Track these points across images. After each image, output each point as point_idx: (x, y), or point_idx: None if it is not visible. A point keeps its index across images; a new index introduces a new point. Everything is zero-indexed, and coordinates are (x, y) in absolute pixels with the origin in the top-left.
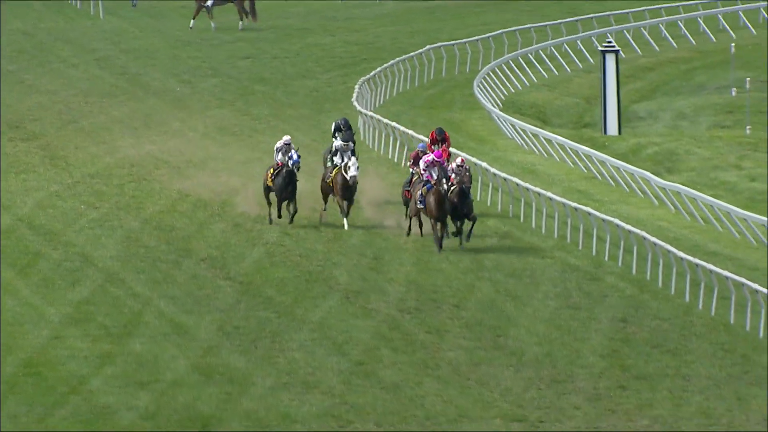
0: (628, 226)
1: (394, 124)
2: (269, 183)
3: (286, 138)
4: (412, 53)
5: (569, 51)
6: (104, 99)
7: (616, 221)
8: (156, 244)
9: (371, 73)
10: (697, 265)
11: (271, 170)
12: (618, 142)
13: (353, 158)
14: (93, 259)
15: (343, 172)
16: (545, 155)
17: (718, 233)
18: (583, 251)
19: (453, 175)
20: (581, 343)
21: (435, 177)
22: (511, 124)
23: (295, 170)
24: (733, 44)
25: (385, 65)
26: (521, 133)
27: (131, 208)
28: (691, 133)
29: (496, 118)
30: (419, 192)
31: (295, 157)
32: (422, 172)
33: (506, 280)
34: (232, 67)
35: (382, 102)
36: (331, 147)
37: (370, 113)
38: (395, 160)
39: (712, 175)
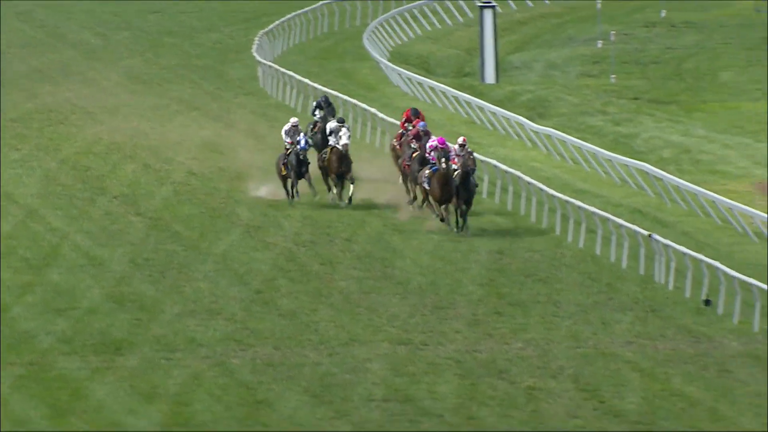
0: (504, 167)
1: (290, 73)
2: (283, 172)
3: (294, 120)
4: (307, 8)
5: (451, 6)
6: (24, 49)
7: (494, 162)
8: (72, 182)
9: (270, 26)
10: (566, 201)
11: (283, 156)
12: (495, 89)
13: (344, 129)
14: (14, 196)
15: (336, 145)
16: (429, 101)
17: (585, 173)
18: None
19: (455, 158)
20: (462, 273)
21: (438, 160)
22: (397, 74)
23: (301, 156)
24: (599, 0)
25: (283, 19)
26: (407, 81)
27: (50, 149)
28: (561, 82)
29: (384, 67)
30: (426, 173)
31: (303, 143)
32: (427, 154)
33: (393, 216)
34: (143, 21)
35: (280, 53)
36: (311, 125)
37: (269, 63)
38: (291, 105)
39: (580, 120)
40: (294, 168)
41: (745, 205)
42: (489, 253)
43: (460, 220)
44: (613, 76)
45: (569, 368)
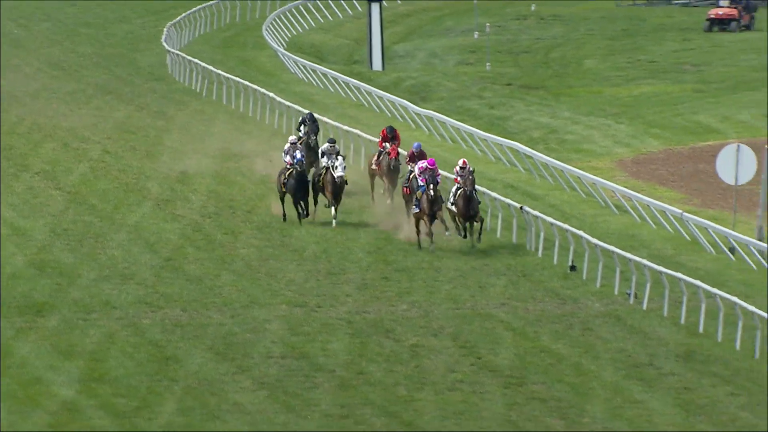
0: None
1: (196, 60)
2: (282, 189)
3: (292, 138)
4: (211, 2)
5: (341, 1)
6: None
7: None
8: None
9: (177, 18)
10: (447, 177)
11: (283, 176)
12: (381, 76)
13: (340, 158)
14: None
15: (332, 171)
16: (322, 87)
17: (463, 151)
18: (353, 167)
19: (458, 178)
20: (352, 243)
21: (426, 181)
22: (293, 61)
23: (298, 168)
24: None
25: (189, 11)
26: (302, 68)
27: None
28: (441, 69)
29: (281, 56)
30: (415, 197)
31: (298, 156)
32: (417, 175)
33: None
34: (62, 13)
35: (186, 42)
36: (297, 138)
37: (177, 51)
38: (197, 90)
39: (458, 104)
40: (292, 192)
41: (606, 180)
42: (376, 224)
43: (474, 232)
44: (488, 64)
45: (449, 327)
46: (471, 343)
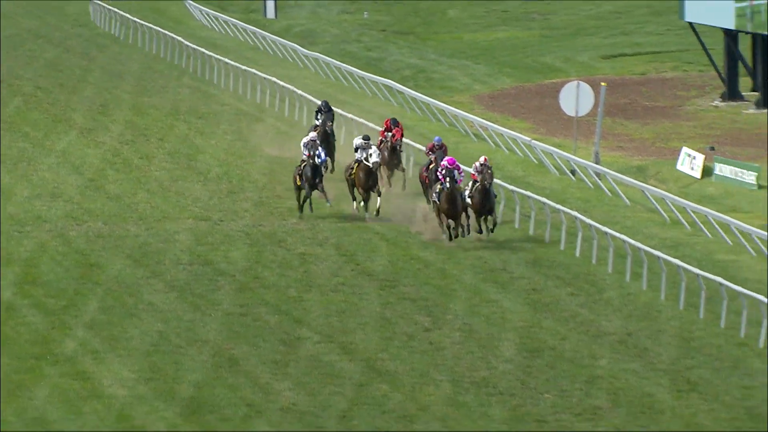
0: (282, 82)
1: (115, 9)
2: (298, 182)
3: (312, 135)
4: None
5: None
6: None
7: (273, 78)
8: None
9: None
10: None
11: (298, 168)
12: (274, 23)
13: (374, 147)
14: None
15: (365, 161)
16: (223, 32)
17: (344, 87)
18: (250, 100)
19: (476, 174)
20: (250, 165)
21: (447, 180)
22: (199, 10)
23: (323, 169)
24: None
25: None
26: (206, 16)
27: None
28: (326, 17)
29: (188, 5)
30: (437, 189)
31: (323, 156)
32: (439, 173)
33: (197, 121)
34: None
35: None
36: (312, 128)
37: (98, 1)
38: (116, 35)
39: (341, 47)
40: (308, 179)
41: (467, 112)
42: (271, 150)
43: (486, 225)
44: (366, 12)
45: (332, 238)
46: (351, 252)
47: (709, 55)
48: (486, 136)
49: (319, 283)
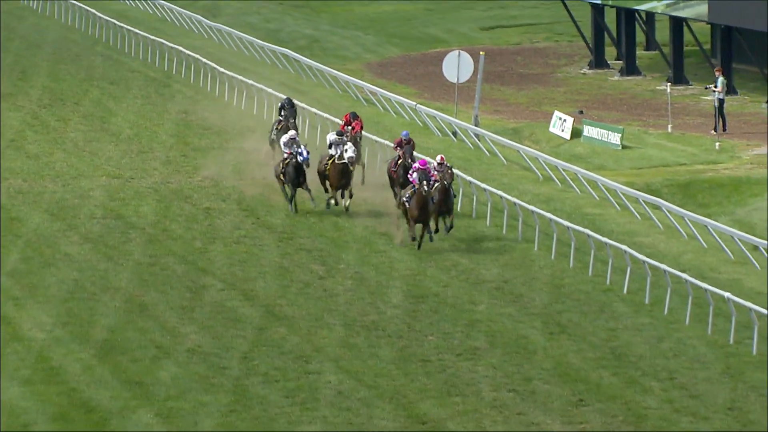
0: (187, 51)
1: None
2: (282, 178)
3: (292, 133)
4: None
5: None
6: None
7: (180, 48)
8: None
9: None
10: (233, 77)
11: (280, 166)
12: None
13: (349, 144)
14: None
15: (338, 159)
16: (134, 5)
17: (245, 56)
18: (159, 68)
19: (435, 173)
20: (158, 127)
21: (419, 182)
22: None
23: (305, 166)
24: None
25: None
26: None
27: None
28: None
29: None
30: (408, 193)
31: (305, 154)
32: (410, 175)
33: (109, 87)
34: None
35: None
36: (276, 123)
37: None
38: (33, 7)
39: (242, 19)
40: (291, 179)
41: (358, 79)
42: (177, 113)
43: (444, 224)
44: None
45: (235, 194)
46: (252, 207)
47: (577, 27)
48: (375, 101)
49: (222, 235)
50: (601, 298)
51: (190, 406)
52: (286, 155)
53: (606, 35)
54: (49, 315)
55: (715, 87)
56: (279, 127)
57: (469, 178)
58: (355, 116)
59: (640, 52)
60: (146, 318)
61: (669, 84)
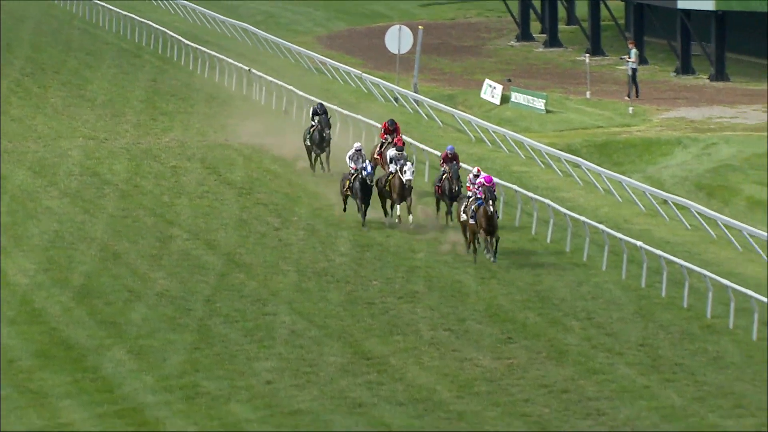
0: (156, 25)
1: None
2: (347, 192)
3: (357, 145)
4: None
5: None
6: None
7: (149, 22)
8: None
9: None
10: (197, 48)
11: (348, 181)
12: None
13: (408, 164)
14: None
15: (400, 175)
16: None
17: (207, 29)
18: (130, 40)
19: (470, 185)
20: (130, 93)
21: (485, 201)
22: None
23: (368, 181)
24: None
25: None
26: None
27: None
28: None
29: None
30: (471, 207)
31: (369, 169)
32: (475, 190)
33: (86, 57)
34: None
35: None
36: (310, 128)
37: None
38: None
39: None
40: (359, 196)
41: (309, 50)
42: (147, 81)
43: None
44: None
45: (199, 154)
46: (214, 165)
47: (506, 4)
48: (325, 70)
49: (187, 190)
50: (528, 247)
51: (158, 344)
52: (352, 171)
53: (531, 11)
54: (31, 262)
55: (629, 58)
56: (312, 131)
57: (408, 139)
58: (392, 124)
59: (561, 26)
60: (119, 265)
61: (588, 55)
